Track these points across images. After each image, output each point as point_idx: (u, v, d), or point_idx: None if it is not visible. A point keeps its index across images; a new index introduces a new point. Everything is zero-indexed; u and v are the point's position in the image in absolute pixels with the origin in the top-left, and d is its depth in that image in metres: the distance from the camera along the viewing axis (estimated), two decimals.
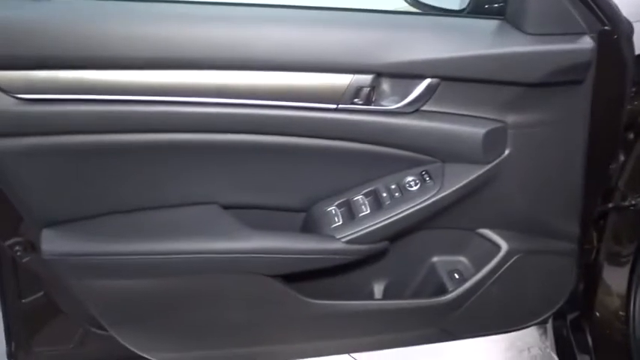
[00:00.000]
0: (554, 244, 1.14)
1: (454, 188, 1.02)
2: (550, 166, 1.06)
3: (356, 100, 0.95)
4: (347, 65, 0.93)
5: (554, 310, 1.21)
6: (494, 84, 0.96)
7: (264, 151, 1.01)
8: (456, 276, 1.15)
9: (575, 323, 1.32)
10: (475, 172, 1.02)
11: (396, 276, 1.18)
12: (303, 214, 1.11)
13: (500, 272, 1.12)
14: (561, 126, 1.02)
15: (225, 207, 1.06)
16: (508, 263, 1.12)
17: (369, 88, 0.94)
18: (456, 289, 1.13)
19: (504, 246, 1.11)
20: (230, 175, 1.04)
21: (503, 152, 1.02)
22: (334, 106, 0.96)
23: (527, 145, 1.02)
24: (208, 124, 0.96)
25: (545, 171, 1.06)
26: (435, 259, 1.17)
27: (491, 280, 1.12)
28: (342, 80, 0.94)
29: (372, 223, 1.03)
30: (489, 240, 1.12)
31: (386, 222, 1.03)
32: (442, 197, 1.02)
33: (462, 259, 1.16)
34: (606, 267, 1.22)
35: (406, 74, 0.95)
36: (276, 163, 1.03)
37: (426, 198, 1.02)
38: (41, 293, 1.22)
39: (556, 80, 0.95)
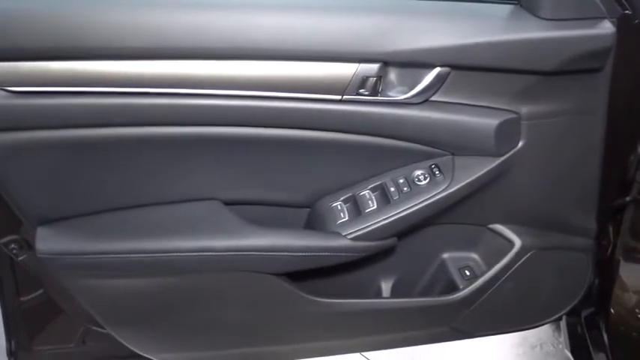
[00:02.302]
0: (570, 239, 1.10)
1: (465, 182, 0.98)
2: (566, 158, 1.01)
3: (362, 90, 0.91)
4: (352, 54, 0.88)
5: (569, 307, 1.17)
6: (507, 73, 0.91)
7: (266, 145, 0.97)
8: (467, 273, 1.11)
9: (589, 320, 1.28)
10: (487, 166, 0.98)
11: (405, 273, 1.14)
12: (307, 210, 1.07)
13: (513, 269, 1.08)
14: (578, 116, 0.97)
15: (227, 203, 1.02)
16: (522, 260, 1.07)
17: (375, 78, 0.90)
18: (468, 286, 1.08)
19: (518, 242, 1.07)
20: (231, 170, 1.00)
21: (517, 144, 0.97)
22: (339, 97, 0.91)
23: (541, 136, 0.97)
24: (207, 116, 0.92)
25: (560, 164, 1.02)
26: (445, 255, 1.13)
27: (504, 277, 1.08)
28: (346, 70, 0.89)
29: (379, 219, 0.99)
30: (502, 236, 1.08)
31: (394, 218, 0.98)
32: (452, 192, 0.98)
33: (474, 255, 1.12)
34: (623, 262, 1.17)
35: (415, 63, 0.90)
36: (278, 157, 0.99)
37: (435, 192, 0.98)
38: (41, 291, 1.19)
39: (573, 68, 0.90)
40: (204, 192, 1.02)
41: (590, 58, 0.90)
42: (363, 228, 0.99)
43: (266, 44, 0.87)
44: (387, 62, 0.90)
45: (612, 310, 1.19)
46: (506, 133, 0.96)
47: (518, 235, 1.07)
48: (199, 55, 0.87)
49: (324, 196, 1.04)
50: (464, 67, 0.90)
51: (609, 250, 1.18)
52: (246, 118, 0.93)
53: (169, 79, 0.88)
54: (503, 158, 0.98)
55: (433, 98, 0.93)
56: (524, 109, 0.95)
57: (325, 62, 0.89)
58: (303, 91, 0.91)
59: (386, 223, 0.98)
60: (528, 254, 1.07)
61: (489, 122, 0.94)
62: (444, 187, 0.98)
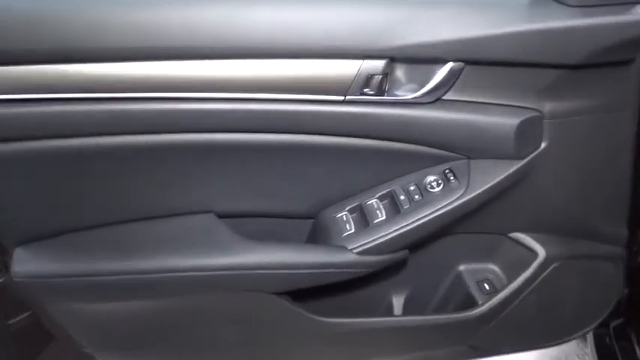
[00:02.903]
0: (598, 247, 1.00)
1: (483, 189, 0.88)
2: (593, 159, 0.92)
3: (366, 90, 0.82)
4: (355, 49, 0.79)
5: (598, 321, 1.08)
6: (528, 67, 0.82)
7: (263, 152, 0.88)
8: (487, 287, 1.02)
9: (619, 331, 1.19)
10: (507, 170, 0.89)
11: (418, 288, 1.05)
12: (310, 222, 0.98)
13: (537, 282, 0.98)
14: (606, 114, 0.88)
15: (222, 216, 0.94)
16: (546, 271, 0.98)
17: (381, 76, 0.81)
18: (487, 301, 0.99)
19: (541, 252, 0.97)
20: (226, 179, 0.92)
21: (539, 145, 0.88)
22: (341, 98, 0.82)
23: (566, 136, 0.88)
24: (197, 122, 0.84)
25: (587, 165, 0.92)
26: (461, 267, 1.04)
27: (527, 291, 0.99)
28: (349, 67, 0.80)
29: (388, 231, 0.90)
30: (524, 245, 0.98)
31: (405, 229, 0.89)
32: (469, 199, 0.89)
33: (493, 267, 1.03)
34: None
35: (425, 58, 0.81)
36: (277, 165, 0.91)
37: (450, 200, 0.89)
38: (28, 313, 1.11)
39: (602, 60, 0.81)
40: (198, 204, 0.93)
41: (620, 49, 0.80)
42: (371, 241, 0.90)
43: (261, 41, 0.78)
44: (393, 58, 0.81)
45: None
46: (527, 133, 0.87)
47: (542, 244, 0.98)
48: (187, 55, 0.79)
49: (328, 206, 0.95)
50: (479, 62, 0.81)
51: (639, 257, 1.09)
52: (240, 123, 0.84)
53: (156, 82, 0.80)
54: (524, 161, 0.88)
55: (445, 97, 0.84)
56: (547, 107, 0.86)
57: (325, 60, 0.80)
58: (302, 92, 0.82)
59: (396, 235, 0.89)
60: (553, 265, 0.98)
61: (509, 122, 0.85)
62: (459, 194, 0.89)
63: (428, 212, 0.89)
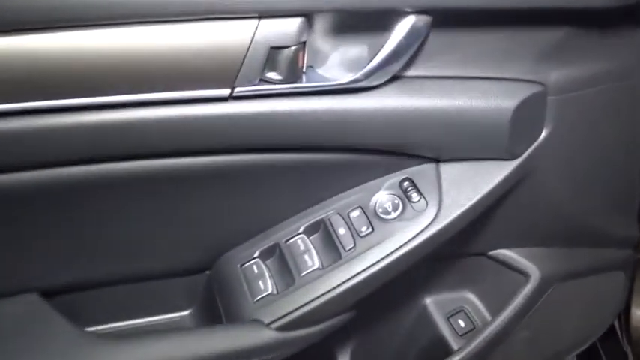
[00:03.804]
0: (605, 254, 0.75)
1: (463, 209, 0.58)
2: (604, 144, 0.65)
3: (270, 74, 0.47)
4: (244, 2, 0.43)
5: (596, 337, 0.83)
6: (526, 19, 0.50)
7: (110, 190, 0.52)
8: (461, 323, 0.73)
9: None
10: (496, 176, 0.58)
11: (367, 335, 0.75)
12: (203, 276, 0.64)
13: (531, 312, 0.71)
14: (622, 82, 0.60)
15: (52, 293, 0.57)
16: (543, 297, 0.71)
17: (294, 48, 0.46)
18: (465, 346, 0.71)
19: (535, 272, 0.70)
20: (54, 239, 0.56)
21: (540, 134, 0.58)
22: (226, 92, 0.47)
23: (575, 117, 0.59)
24: None
25: (597, 153, 0.65)
26: (427, 299, 0.74)
27: (519, 326, 0.71)
28: (237, 36, 0.44)
29: (326, 289, 0.57)
30: (510, 266, 0.70)
31: (350, 284, 0.57)
32: (444, 227, 0.58)
33: (469, 295, 0.74)
34: None
35: (366, 11, 0.46)
36: (138, 207, 0.55)
37: (415, 232, 0.58)
38: None
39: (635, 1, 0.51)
40: (13, 282, 0.56)
41: None
42: (299, 308, 0.57)
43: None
44: (309, 14, 0.45)
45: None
46: (526, 119, 0.56)
47: (536, 261, 0.70)
48: None
49: (230, 249, 0.62)
50: (455, 13, 0.48)
51: None
52: (60, 147, 0.48)
53: None
54: (519, 161, 0.58)
55: (403, 73, 0.51)
56: (552, 77, 0.56)
57: (190, 23, 0.44)
58: (159, 89, 0.46)
59: (337, 295, 0.57)
60: (551, 288, 0.71)
61: (502, 105, 0.54)
62: (428, 221, 0.58)
63: (383, 254, 0.57)
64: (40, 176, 0.49)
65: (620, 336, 0.93)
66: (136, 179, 0.52)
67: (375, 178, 0.60)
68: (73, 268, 0.57)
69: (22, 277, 0.57)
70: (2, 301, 0.57)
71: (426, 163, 0.59)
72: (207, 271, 0.63)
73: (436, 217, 0.58)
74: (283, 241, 0.61)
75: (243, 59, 0.45)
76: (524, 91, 0.55)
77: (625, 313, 0.89)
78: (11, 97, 0.44)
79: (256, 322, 0.57)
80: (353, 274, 0.57)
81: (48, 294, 0.57)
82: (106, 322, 0.62)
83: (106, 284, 0.60)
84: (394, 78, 0.51)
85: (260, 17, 0.44)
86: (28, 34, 0.42)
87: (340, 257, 0.58)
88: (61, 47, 0.43)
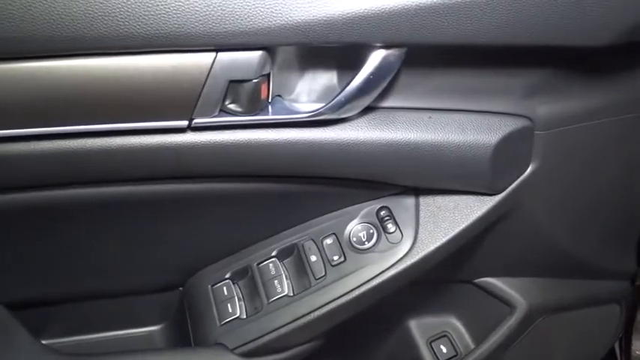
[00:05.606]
0: (600, 287, 0.72)
1: (440, 243, 0.56)
2: (603, 180, 0.61)
3: (231, 106, 0.45)
4: (203, 35, 0.41)
5: None
6: (509, 54, 0.47)
7: (83, 209, 0.52)
8: (443, 349, 0.71)
9: None
10: (477, 210, 0.56)
11: (347, 358, 0.74)
12: (177, 293, 0.63)
13: (515, 344, 0.69)
14: (617, 117, 0.57)
15: (18, 307, 0.58)
16: (528, 330, 0.68)
17: (255, 81, 0.44)
18: None
19: (522, 304, 0.67)
20: (29, 257, 0.55)
21: (526, 169, 0.55)
22: (184, 123, 0.45)
23: (564, 152, 0.56)
24: None
25: (594, 188, 0.61)
26: (410, 322, 0.73)
27: (503, 356, 0.69)
28: (195, 67, 0.43)
29: (294, 317, 0.56)
30: (496, 295, 0.68)
31: (319, 313, 0.56)
32: (419, 260, 0.56)
33: (453, 320, 0.72)
34: None
35: (334, 41, 0.44)
36: (107, 229, 0.55)
37: (389, 263, 0.56)
38: None
39: (629, 40, 0.47)
40: None
41: None
42: (265, 334, 0.56)
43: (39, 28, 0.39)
44: (270, 47, 0.43)
45: None
46: (511, 154, 0.53)
47: (523, 292, 0.68)
48: None
49: (201, 269, 0.61)
50: (432, 46, 0.45)
51: None
52: (29, 172, 0.47)
53: None
54: (502, 196, 0.55)
55: (375, 104, 0.49)
56: (540, 112, 0.52)
57: (147, 55, 0.42)
58: (113, 118, 0.44)
59: (305, 323, 0.56)
60: (538, 320, 0.68)
61: (481, 139, 0.51)
62: (403, 253, 0.56)
63: (354, 285, 0.56)
64: (11, 199, 0.49)
65: None
66: (108, 202, 0.51)
67: (352, 204, 0.58)
68: (43, 283, 0.58)
69: None
70: None
71: (406, 192, 0.57)
72: (181, 288, 0.63)
73: (410, 250, 0.56)
74: (255, 264, 0.60)
75: (201, 92, 0.43)
76: (508, 126, 0.51)
77: (626, 344, 0.86)
78: None
79: (221, 346, 0.57)
80: (321, 304, 0.56)
81: (15, 307, 0.57)
82: (76, 335, 0.63)
83: (78, 299, 0.60)
84: (366, 109, 0.48)
85: (217, 50, 0.42)
86: None
87: (310, 285, 0.57)
88: (21, 77, 0.42)
